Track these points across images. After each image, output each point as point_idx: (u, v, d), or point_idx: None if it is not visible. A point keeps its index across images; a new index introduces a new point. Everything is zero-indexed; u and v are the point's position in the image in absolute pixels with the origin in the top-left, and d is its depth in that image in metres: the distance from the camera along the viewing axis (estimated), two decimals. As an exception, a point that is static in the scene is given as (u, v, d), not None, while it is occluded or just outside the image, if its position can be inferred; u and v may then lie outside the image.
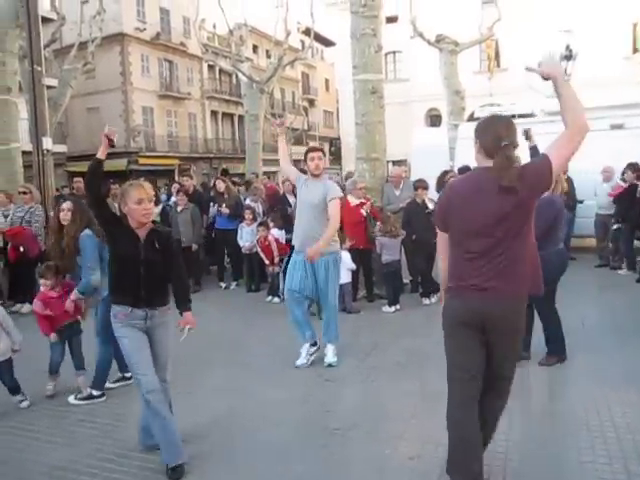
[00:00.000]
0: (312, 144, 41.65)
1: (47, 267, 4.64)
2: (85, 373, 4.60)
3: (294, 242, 5.18)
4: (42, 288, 4.63)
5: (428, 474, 3.13)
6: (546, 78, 2.58)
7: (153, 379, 3.26)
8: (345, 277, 6.61)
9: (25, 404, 4.41)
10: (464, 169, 8.53)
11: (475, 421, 2.71)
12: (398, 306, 6.89)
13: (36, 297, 4.68)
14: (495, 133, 2.63)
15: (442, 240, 2.87)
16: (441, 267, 2.95)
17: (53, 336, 4.57)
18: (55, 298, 4.58)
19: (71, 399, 4.47)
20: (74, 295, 4.46)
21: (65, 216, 4.58)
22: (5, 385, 4.41)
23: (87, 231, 4.45)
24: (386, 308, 6.86)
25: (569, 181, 9.21)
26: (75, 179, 10.34)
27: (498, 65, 26.87)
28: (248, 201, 9.40)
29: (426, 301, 7.07)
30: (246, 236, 8.45)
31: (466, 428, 2.71)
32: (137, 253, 3.30)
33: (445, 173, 8.00)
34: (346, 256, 6.62)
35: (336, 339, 5.12)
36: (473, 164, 2.89)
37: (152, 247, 3.33)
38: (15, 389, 4.42)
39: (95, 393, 4.47)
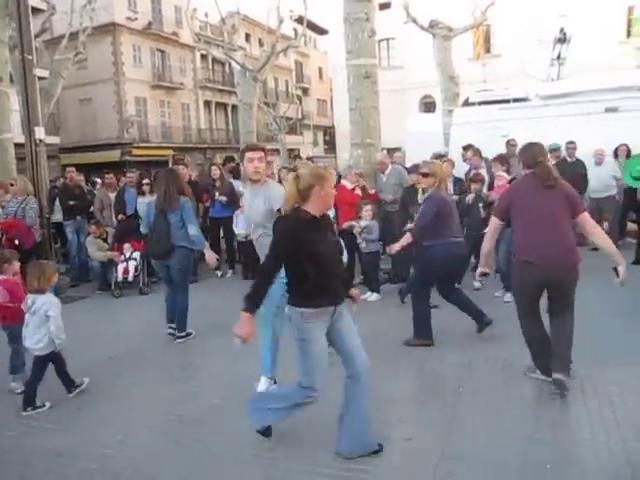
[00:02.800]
0: (306, 133, 41.31)
1: (8, 252, 4.62)
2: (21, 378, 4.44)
3: None
4: (4, 276, 4.43)
5: (427, 454, 3.15)
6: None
7: (319, 387, 3.10)
8: None
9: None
10: (468, 147, 8.57)
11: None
12: (380, 295, 6.84)
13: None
14: (532, 153, 4.02)
15: (495, 227, 4.16)
16: (487, 248, 4.27)
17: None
18: (19, 286, 4.46)
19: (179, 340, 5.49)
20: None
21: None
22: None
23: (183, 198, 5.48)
24: (368, 295, 6.74)
25: (579, 164, 9.25)
26: (67, 169, 10.27)
27: (488, 51, 26.77)
28: (241, 188, 9.34)
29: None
30: (241, 224, 8.42)
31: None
32: (335, 247, 3.20)
33: (440, 156, 8.00)
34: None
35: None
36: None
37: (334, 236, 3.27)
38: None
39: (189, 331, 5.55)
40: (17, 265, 4.57)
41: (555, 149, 9.11)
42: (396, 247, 5.20)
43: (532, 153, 4.01)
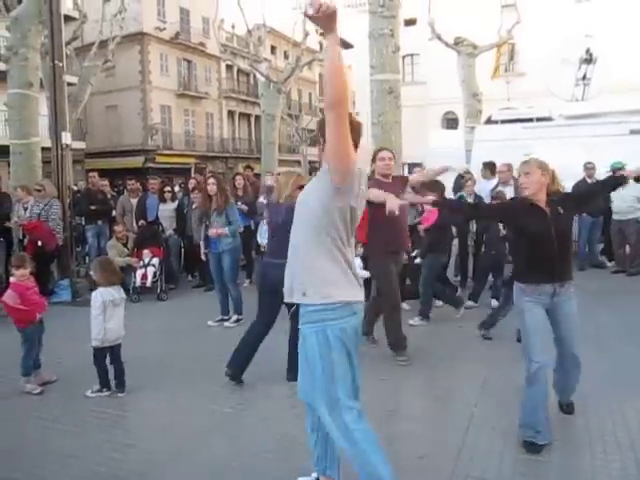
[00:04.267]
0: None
1: (22, 256, 4.66)
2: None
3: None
4: (16, 279, 4.51)
5: (439, 474, 3.11)
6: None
7: (545, 363, 3.35)
8: None
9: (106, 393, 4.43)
10: (488, 164, 8.49)
11: None
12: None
13: (10, 288, 4.55)
14: None
15: None
16: None
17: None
18: (30, 289, 4.52)
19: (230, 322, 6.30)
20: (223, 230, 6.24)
21: (212, 188, 6.38)
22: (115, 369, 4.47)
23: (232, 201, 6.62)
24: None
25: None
26: (90, 174, 10.46)
27: (510, 70, 26.67)
28: (261, 199, 9.40)
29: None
30: (265, 234, 8.43)
31: None
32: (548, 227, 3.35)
33: (461, 177, 7.98)
34: (357, 262, 6.60)
35: None
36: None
37: (558, 217, 3.40)
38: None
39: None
40: (29, 270, 4.60)
41: (618, 168, 9.03)
42: None
43: None
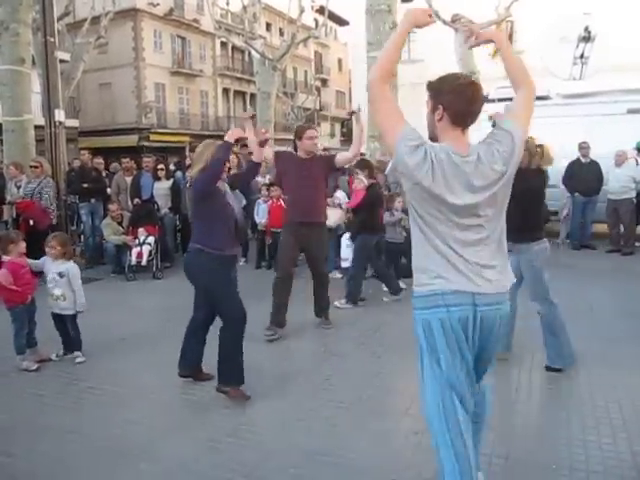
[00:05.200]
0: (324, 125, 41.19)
1: (16, 233, 4.70)
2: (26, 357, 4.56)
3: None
4: (9, 257, 4.49)
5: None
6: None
7: None
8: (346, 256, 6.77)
9: (81, 359, 4.62)
10: None
11: None
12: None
13: (3, 266, 4.48)
14: None
15: None
16: None
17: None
18: (24, 268, 4.50)
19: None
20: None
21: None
22: (70, 336, 4.64)
23: None
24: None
25: (593, 165, 9.15)
26: (81, 152, 10.37)
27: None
28: (259, 178, 9.35)
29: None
30: (262, 213, 8.42)
31: None
32: None
33: None
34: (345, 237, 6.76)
35: None
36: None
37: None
38: (78, 344, 4.67)
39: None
40: (23, 245, 4.59)
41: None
42: None
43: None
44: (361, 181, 6.32)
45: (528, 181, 3.80)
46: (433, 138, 2.27)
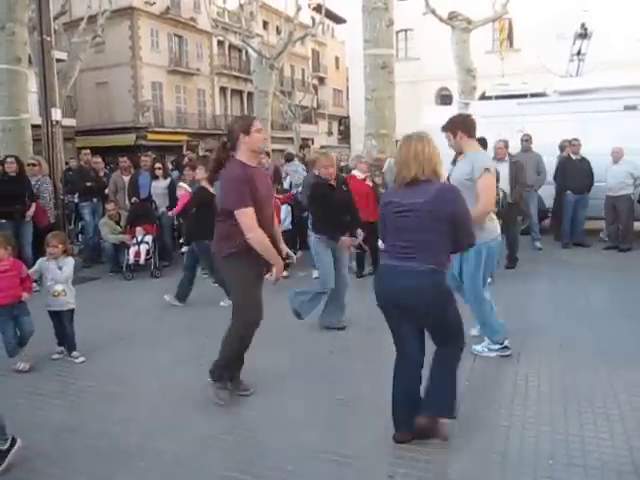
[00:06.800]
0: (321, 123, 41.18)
1: (2, 237, 4.44)
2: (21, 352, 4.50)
3: None
4: None
5: (433, 444, 3.16)
6: None
7: None
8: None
9: (81, 359, 4.63)
10: (479, 140, 8.45)
11: None
12: None
13: None
14: None
15: None
16: None
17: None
18: (2, 272, 4.31)
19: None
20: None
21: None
22: (67, 334, 4.65)
23: None
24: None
25: (584, 162, 9.14)
26: (83, 151, 10.35)
27: (511, 45, 26.45)
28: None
29: None
30: None
31: None
32: None
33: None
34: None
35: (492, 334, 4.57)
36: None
37: None
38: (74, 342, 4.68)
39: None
40: (9, 250, 4.41)
41: None
42: None
43: None
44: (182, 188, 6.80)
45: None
46: None
